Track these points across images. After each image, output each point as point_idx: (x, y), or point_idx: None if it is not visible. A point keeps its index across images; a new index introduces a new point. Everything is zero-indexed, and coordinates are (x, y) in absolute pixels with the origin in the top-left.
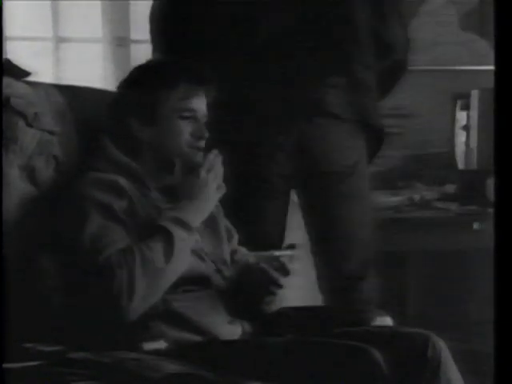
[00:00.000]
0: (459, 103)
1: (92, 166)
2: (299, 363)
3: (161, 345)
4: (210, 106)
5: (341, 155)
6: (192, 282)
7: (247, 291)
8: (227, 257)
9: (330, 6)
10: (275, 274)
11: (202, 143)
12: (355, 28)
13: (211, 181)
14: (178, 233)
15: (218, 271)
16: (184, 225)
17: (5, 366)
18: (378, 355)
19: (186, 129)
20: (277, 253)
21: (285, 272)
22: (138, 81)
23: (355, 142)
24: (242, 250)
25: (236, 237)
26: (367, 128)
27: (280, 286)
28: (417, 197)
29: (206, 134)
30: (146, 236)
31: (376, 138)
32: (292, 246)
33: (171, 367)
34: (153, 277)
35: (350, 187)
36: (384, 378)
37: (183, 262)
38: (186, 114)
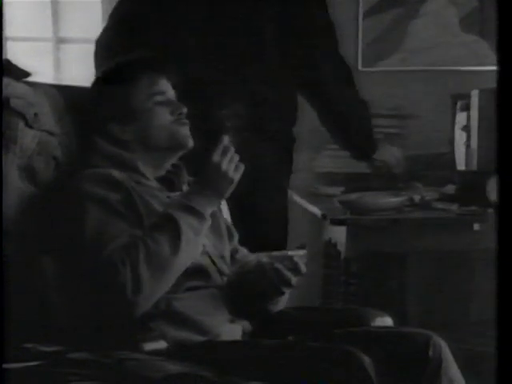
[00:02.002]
0: (459, 104)
1: (87, 162)
2: (298, 364)
3: (161, 345)
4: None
5: None
6: (193, 276)
7: (258, 291)
8: (227, 255)
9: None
10: (288, 274)
11: (184, 117)
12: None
13: (226, 164)
14: (188, 221)
15: (218, 269)
16: (195, 212)
17: (5, 366)
18: (366, 360)
19: (164, 111)
20: (290, 253)
21: (297, 272)
22: (105, 87)
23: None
24: (243, 250)
25: (236, 236)
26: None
27: (292, 286)
28: (417, 197)
29: (185, 109)
30: (151, 226)
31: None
32: (303, 246)
33: (171, 367)
34: (159, 270)
35: None
36: (370, 381)
37: (192, 252)
38: (159, 98)
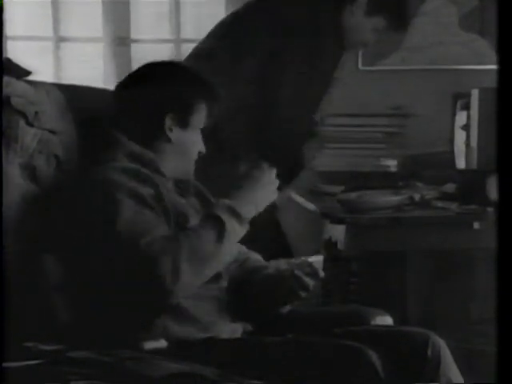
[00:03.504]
0: (459, 103)
1: (111, 157)
2: (298, 363)
3: (161, 344)
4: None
5: None
6: None
7: (277, 297)
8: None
9: None
10: (308, 280)
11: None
12: None
13: (269, 173)
14: (231, 223)
15: (227, 269)
16: (237, 216)
17: (5, 364)
18: (372, 355)
19: (195, 145)
20: (310, 259)
21: (316, 277)
22: (179, 83)
23: None
24: (242, 247)
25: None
26: None
27: (309, 291)
28: (417, 196)
29: (203, 151)
30: (194, 225)
31: None
32: (319, 252)
33: (172, 366)
34: (200, 264)
35: None
36: (378, 377)
37: (231, 253)
38: (199, 128)
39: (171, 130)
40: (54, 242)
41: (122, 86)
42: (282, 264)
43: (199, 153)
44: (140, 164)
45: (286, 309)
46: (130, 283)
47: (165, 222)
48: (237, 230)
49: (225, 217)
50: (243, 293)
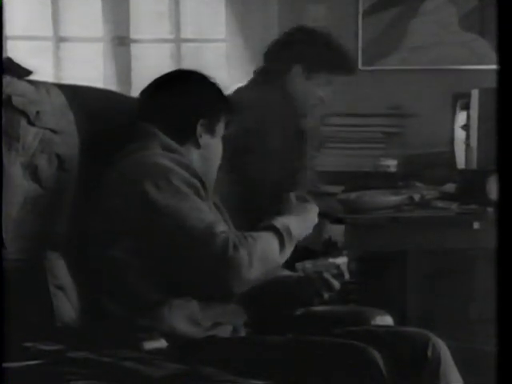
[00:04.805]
0: (459, 103)
1: (142, 147)
2: (298, 362)
3: (161, 344)
4: None
5: None
6: None
7: (302, 299)
8: None
9: None
10: (335, 282)
11: None
12: None
13: (314, 209)
14: (286, 238)
15: None
16: (290, 234)
17: (5, 365)
18: (376, 355)
19: (217, 156)
20: (337, 261)
21: (342, 279)
22: (208, 92)
23: None
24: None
25: None
26: None
27: (333, 292)
28: (417, 196)
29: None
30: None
31: None
32: (342, 252)
33: (171, 366)
34: (265, 265)
35: None
36: (382, 377)
37: (282, 261)
38: (223, 137)
39: (201, 136)
40: (57, 242)
41: (154, 88)
42: (307, 265)
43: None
44: (175, 161)
45: (301, 310)
46: (201, 271)
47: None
48: (287, 247)
49: (282, 230)
50: (250, 293)
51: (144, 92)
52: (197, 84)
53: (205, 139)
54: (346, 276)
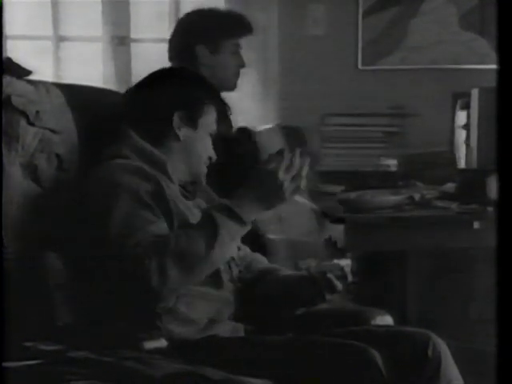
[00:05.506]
0: (459, 102)
1: (117, 153)
2: (298, 362)
3: (161, 343)
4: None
5: None
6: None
7: (304, 298)
8: (235, 253)
9: None
10: (338, 283)
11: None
12: None
13: (283, 175)
14: (228, 225)
15: (228, 267)
16: (237, 218)
17: (5, 364)
18: (376, 355)
19: (206, 149)
20: (342, 262)
21: (345, 281)
22: (188, 85)
23: None
24: (246, 248)
25: None
26: None
27: (335, 293)
28: (417, 196)
29: (215, 158)
30: (189, 224)
31: None
32: (346, 255)
33: (172, 366)
34: (188, 267)
35: None
36: (382, 377)
37: (225, 255)
38: (212, 133)
39: (180, 128)
40: (55, 242)
41: (135, 87)
42: (312, 264)
43: (210, 158)
44: (148, 162)
45: (301, 310)
46: (121, 283)
47: (164, 221)
48: (233, 233)
49: (220, 219)
50: (251, 292)
51: (124, 94)
52: (176, 78)
53: (185, 132)
54: (350, 278)
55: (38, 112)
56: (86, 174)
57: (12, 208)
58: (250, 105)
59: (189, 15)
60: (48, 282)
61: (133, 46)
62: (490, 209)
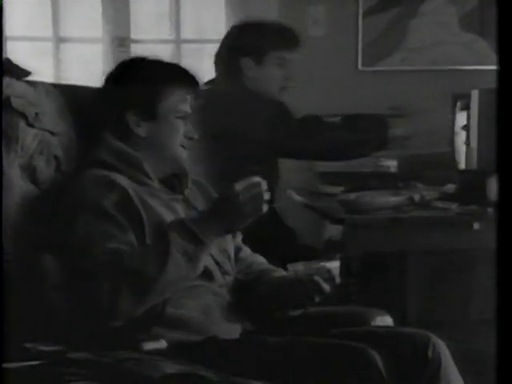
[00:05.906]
0: (459, 103)
1: (93, 157)
2: (298, 363)
3: (161, 345)
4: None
5: None
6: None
7: (292, 301)
8: (232, 254)
9: None
10: (325, 286)
11: (189, 143)
12: None
13: (246, 198)
14: (183, 245)
15: (221, 269)
16: (194, 238)
17: (5, 365)
18: (376, 356)
19: (181, 128)
20: (328, 265)
21: (333, 283)
22: (137, 76)
23: None
24: (247, 249)
25: (240, 235)
26: None
27: (324, 295)
28: (417, 197)
29: (196, 136)
30: (145, 243)
31: None
32: (335, 257)
33: (171, 367)
34: (141, 289)
35: None
36: (382, 378)
37: (184, 275)
38: (181, 115)
39: (139, 125)
40: (53, 243)
41: (103, 86)
42: (299, 267)
43: (190, 138)
44: (126, 163)
45: (298, 312)
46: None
47: (128, 232)
48: (189, 253)
49: (173, 236)
50: (250, 294)
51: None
52: (127, 75)
53: (145, 127)
54: (337, 280)
55: (37, 114)
56: (62, 184)
57: (11, 209)
58: None
59: (234, 28)
60: (48, 282)
61: (133, 46)
62: (490, 210)
